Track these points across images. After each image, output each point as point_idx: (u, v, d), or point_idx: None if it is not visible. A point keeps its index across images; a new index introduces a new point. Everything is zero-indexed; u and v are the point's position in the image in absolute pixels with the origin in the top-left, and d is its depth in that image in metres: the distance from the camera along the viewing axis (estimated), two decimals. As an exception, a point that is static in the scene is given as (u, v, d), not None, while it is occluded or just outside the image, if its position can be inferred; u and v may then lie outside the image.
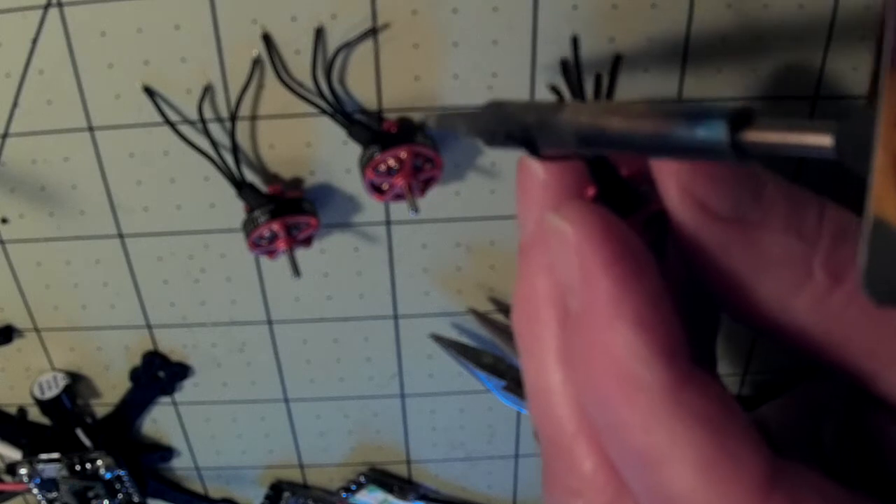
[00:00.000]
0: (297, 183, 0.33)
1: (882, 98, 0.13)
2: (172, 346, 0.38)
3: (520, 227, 0.22)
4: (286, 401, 0.40)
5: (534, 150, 0.20)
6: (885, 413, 0.20)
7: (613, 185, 0.20)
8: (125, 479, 0.40)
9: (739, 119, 0.15)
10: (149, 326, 0.37)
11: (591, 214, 0.19)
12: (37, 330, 0.38)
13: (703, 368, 0.19)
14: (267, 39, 0.30)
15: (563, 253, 0.19)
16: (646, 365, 0.18)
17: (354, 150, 0.31)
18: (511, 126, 0.21)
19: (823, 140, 0.14)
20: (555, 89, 0.30)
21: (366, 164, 0.30)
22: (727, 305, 0.20)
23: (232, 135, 0.31)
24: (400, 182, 0.30)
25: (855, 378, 0.20)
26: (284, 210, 0.31)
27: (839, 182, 0.21)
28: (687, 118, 0.16)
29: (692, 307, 0.21)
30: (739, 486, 0.17)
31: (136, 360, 0.38)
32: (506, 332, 0.36)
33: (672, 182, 0.19)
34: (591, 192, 0.20)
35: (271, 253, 0.32)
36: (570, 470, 0.21)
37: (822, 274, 0.19)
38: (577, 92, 0.30)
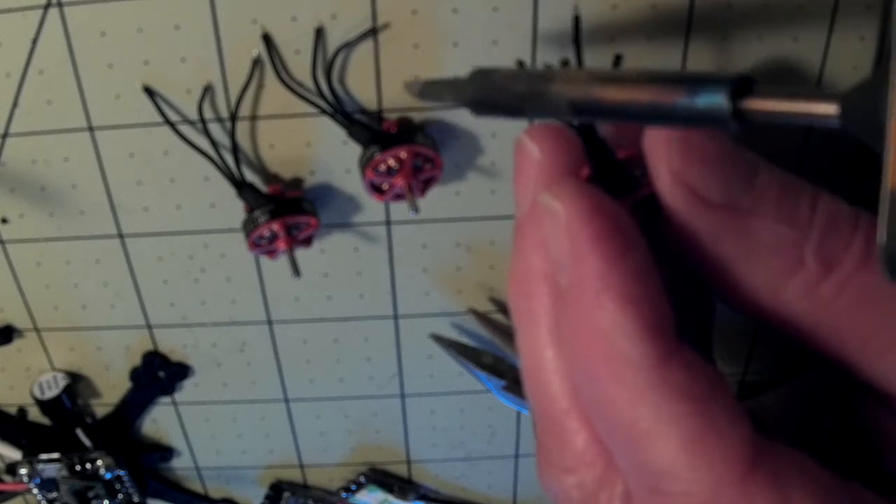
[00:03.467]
0: (297, 183, 0.33)
1: (894, 65, 0.12)
2: (172, 346, 0.38)
3: (516, 207, 0.22)
4: (286, 401, 0.40)
5: (522, 118, 0.20)
6: (876, 403, 0.20)
7: (607, 167, 0.21)
8: (125, 479, 0.40)
9: (741, 86, 0.15)
10: (149, 326, 0.37)
11: (582, 192, 0.19)
12: (37, 330, 0.38)
13: (689, 346, 0.19)
14: (267, 39, 0.30)
15: (554, 229, 0.19)
16: (631, 340, 0.18)
17: (354, 150, 0.31)
18: (500, 96, 0.20)
19: (828, 109, 0.13)
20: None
21: (366, 164, 0.30)
22: (719, 291, 0.20)
23: (232, 135, 0.31)
24: (400, 182, 0.30)
25: (846, 367, 0.20)
26: (284, 210, 0.31)
27: (842, 173, 0.21)
28: (687, 86, 0.15)
29: (687, 293, 0.21)
30: (723, 463, 0.18)
31: (136, 360, 0.38)
32: (506, 332, 0.36)
33: (663, 167, 0.19)
34: (585, 172, 0.21)
35: (271, 253, 0.32)
36: (562, 447, 0.21)
37: (814, 262, 0.19)
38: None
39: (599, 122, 0.19)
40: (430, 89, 0.24)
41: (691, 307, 0.21)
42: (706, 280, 0.20)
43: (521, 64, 0.29)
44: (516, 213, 0.22)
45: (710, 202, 0.19)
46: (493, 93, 0.20)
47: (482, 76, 0.21)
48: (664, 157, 0.19)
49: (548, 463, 0.22)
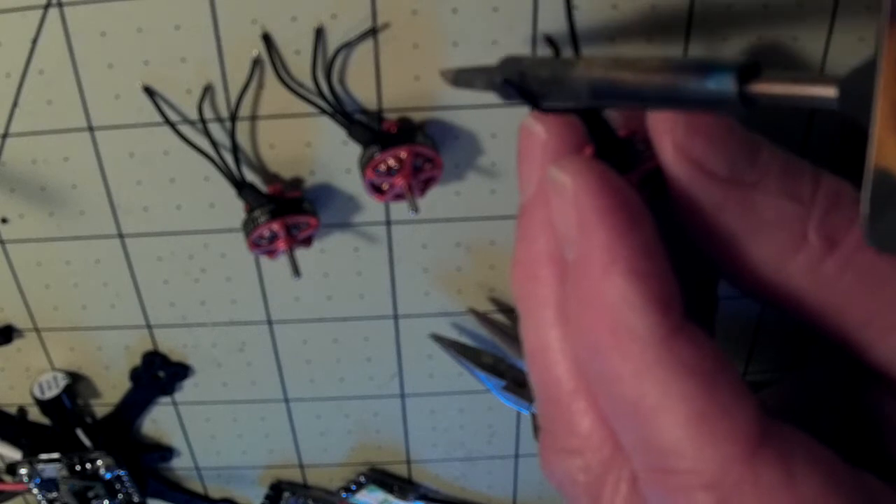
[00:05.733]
0: (297, 183, 0.33)
1: (882, 49, 0.13)
2: (172, 346, 0.38)
3: (520, 189, 0.22)
4: (286, 401, 0.40)
5: (541, 103, 0.21)
6: (879, 387, 0.20)
7: (610, 144, 0.21)
8: (125, 479, 0.40)
9: (747, 71, 0.16)
10: (149, 326, 0.37)
11: (590, 167, 0.19)
12: (37, 330, 0.38)
13: (695, 323, 0.19)
14: (267, 39, 0.30)
15: (562, 204, 0.19)
16: (638, 314, 0.18)
17: (354, 150, 0.31)
18: (527, 81, 0.21)
19: (828, 91, 0.14)
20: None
21: (366, 164, 0.30)
22: (724, 267, 0.21)
23: (232, 135, 0.31)
24: (400, 182, 0.30)
25: (849, 348, 0.20)
26: (284, 210, 0.31)
27: (843, 164, 0.21)
28: (696, 71, 0.16)
29: (691, 276, 0.21)
30: (729, 440, 0.18)
31: (136, 360, 0.38)
32: (506, 332, 0.36)
33: (667, 140, 0.19)
34: (588, 151, 0.21)
35: (271, 253, 0.32)
36: (568, 429, 0.21)
37: (817, 238, 0.19)
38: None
39: (617, 106, 0.20)
40: (463, 76, 0.25)
41: (695, 290, 0.21)
42: (711, 257, 0.20)
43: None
44: (521, 196, 0.22)
45: (714, 175, 0.19)
46: (521, 79, 0.21)
47: (511, 63, 0.22)
48: (668, 131, 0.19)
49: (552, 448, 0.22)
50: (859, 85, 0.14)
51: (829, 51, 0.29)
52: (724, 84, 0.16)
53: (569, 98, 0.20)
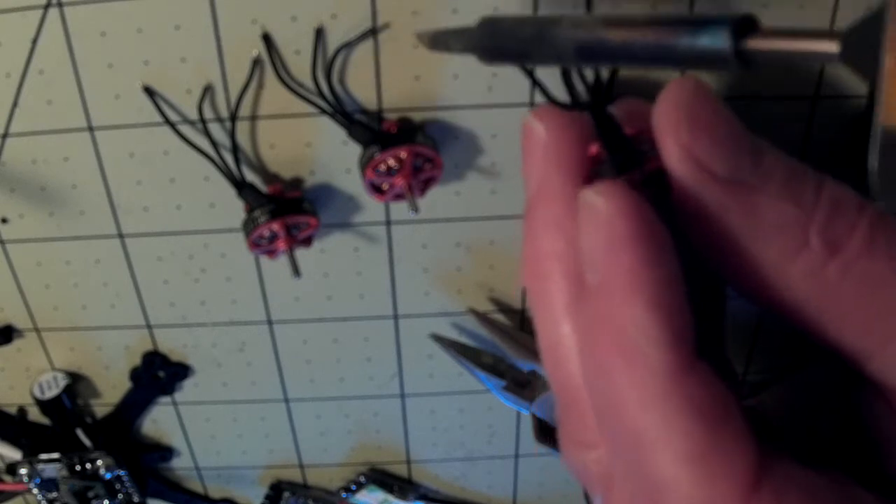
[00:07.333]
0: (297, 183, 0.33)
1: (889, 3, 0.13)
2: (172, 346, 0.38)
3: (525, 188, 0.22)
4: (286, 401, 0.40)
5: (529, 64, 0.20)
6: (879, 397, 0.20)
7: (616, 143, 0.21)
8: (125, 479, 0.40)
9: (743, 26, 0.15)
10: (149, 326, 0.37)
11: (624, 193, 0.19)
12: (37, 330, 0.38)
13: (707, 363, 0.19)
14: (267, 39, 0.30)
15: (592, 225, 0.19)
16: (654, 345, 0.18)
17: (354, 150, 0.31)
18: (508, 41, 0.20)
19: (829, 46, 0.13)
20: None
21: (366, 164, 0.30)
22: (726, 271, 0.21)
23: (232, 135, 0.31)
24: (400, 182, 0.30)
25: (849, 358, 0.20)
26: (284, 210, 0.31)
27: (844, 165, 0.21)
28: (690, 26, 0.16)
29: (698, 286, 0.21)
30: (726, 482, 0.18)
31: (136, 360, 0.38)
32: (506, 332, 0.36)
33: (671, 140, 0.19)
34: (593, 149, 0.21)
35: (271, 253, 0.32)
36: (581, 423, 0.21)
37: (818, 243, 0.19)
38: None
39: (604, 65, 0.19)
40: (440, 38, 0.24)
41: (702, 300, 0.21)
42: (713, 260, 0.20)
43: None
44: (526, 194, 0.22)
45: (717, 176, 0.19)
46: (501, 39, 0.20)
47: (491, 23, 0.21)
48: (672, 131, 0.19)
49: (569, 440, 0.22)
50: (864, 39, 0.13)
51: (830, 51, 0.29)
52: (719, 40, 0.15)
53: (552, 58, 0.19)
